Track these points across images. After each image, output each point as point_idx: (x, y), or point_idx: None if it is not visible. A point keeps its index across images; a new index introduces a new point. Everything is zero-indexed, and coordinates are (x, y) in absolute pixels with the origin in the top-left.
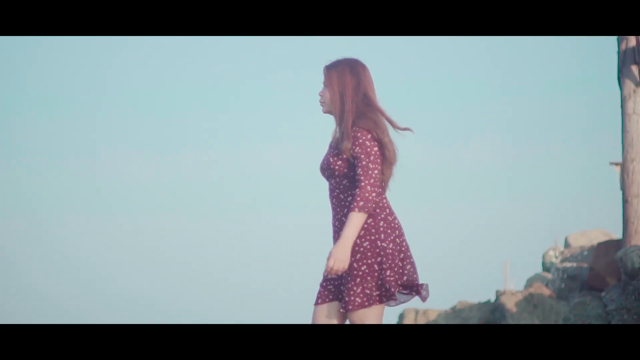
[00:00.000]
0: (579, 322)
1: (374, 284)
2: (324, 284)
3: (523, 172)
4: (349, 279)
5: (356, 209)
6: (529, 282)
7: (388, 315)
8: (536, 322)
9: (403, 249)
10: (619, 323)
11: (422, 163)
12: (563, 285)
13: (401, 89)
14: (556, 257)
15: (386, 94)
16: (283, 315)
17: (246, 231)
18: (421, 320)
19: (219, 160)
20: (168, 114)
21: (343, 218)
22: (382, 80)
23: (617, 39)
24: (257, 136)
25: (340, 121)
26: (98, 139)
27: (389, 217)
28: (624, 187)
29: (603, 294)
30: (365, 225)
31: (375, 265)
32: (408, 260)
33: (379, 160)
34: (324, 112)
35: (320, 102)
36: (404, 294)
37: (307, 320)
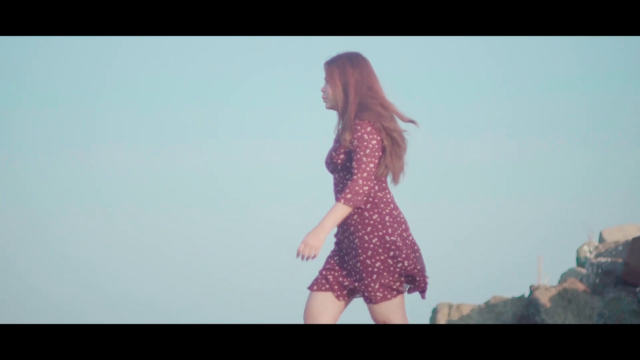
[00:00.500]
0: (613, 318)
1: (391, 278)
2: (324, 272)
3: (557, 165)
4: (364, 275)
5: (342, 200)
6: (563, 277)
7: (420, 309)
8: (570, 317)
9: (409, 242)
10: None
11: (455, 157)
12: (597, 281)
13: (420, 88)
14: (590, 252)
15: (390, 95)
16: (283, 315)
17: (246, 231)
18: (455, 315)
19: (219, 160)
20: (168, 113)
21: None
22: (382, 80)
23: None
24: (256, 136)
25: (343, 115)
26: (97, 138)
27: (394, 212)
28: None
29: (638, 289)
30: (372, 222)
31: (390, 260)
32: (419, 253)
33: (376, 154)
34: (327, 108)
35: (323, 98)
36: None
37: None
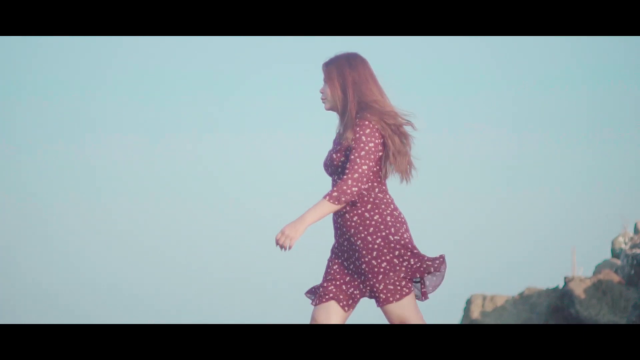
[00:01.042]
0: None
1: (397, 277)
2: (325, 284)
3: (593, 157)
4: (370, 276)
5: (327, 197)
6: (598, 269)
7: (455, 301)
8: (605, 308)
9: (407, 242)
10: None
11: (491, 149)
12: (632, 272)
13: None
14: (625, 244)
15: (389, 94)
16: (283, 315)
17: (246, 231)
18: (488, 307)
19: (219, 159)
20: (168, 112)
21: (346, 215)
22: (381, 80)
23: None
24: (256, 136)
25: (343, 115)
26: (97, 139)
27: (394, 212)
28: None
29: None
30: (373, 222)
31: (395, 260)
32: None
33: (372, 157)
34: (327, 109)
35: (322, 99)
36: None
37: (306, 320)
